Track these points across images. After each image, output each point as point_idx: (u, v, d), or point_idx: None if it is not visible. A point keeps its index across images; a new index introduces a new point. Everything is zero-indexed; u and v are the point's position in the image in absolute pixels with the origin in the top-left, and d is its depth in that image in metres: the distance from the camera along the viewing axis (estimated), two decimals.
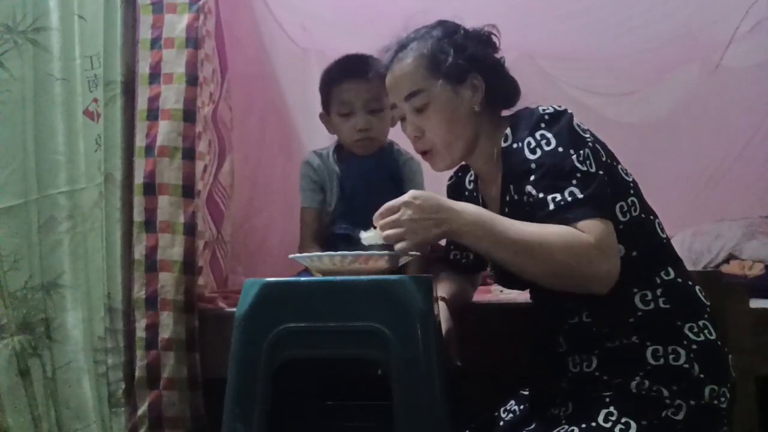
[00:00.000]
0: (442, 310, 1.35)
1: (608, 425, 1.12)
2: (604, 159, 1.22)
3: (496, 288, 1.91)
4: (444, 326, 1.31)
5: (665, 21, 2.76)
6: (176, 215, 1.66)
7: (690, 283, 1.24)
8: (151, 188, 1.67)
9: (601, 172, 1.16)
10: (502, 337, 1.53)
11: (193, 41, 1.70)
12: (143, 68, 1.72)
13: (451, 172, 1.52)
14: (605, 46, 2.93)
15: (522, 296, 1.45)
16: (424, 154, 1.35)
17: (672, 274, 1.22)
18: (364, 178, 1.75)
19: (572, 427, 1.14)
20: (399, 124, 1.38)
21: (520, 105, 1.32)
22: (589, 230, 1.09)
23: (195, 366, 1.64)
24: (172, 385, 1.62)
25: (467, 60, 1.29)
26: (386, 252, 1.17)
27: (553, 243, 1.09)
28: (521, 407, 1.35)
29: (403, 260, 1.24)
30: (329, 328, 1.11)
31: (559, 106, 1.21)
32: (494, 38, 1.34)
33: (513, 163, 1.22)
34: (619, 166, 1.26)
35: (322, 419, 1.52)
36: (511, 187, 1.24)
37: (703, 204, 3.13)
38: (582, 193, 1.12)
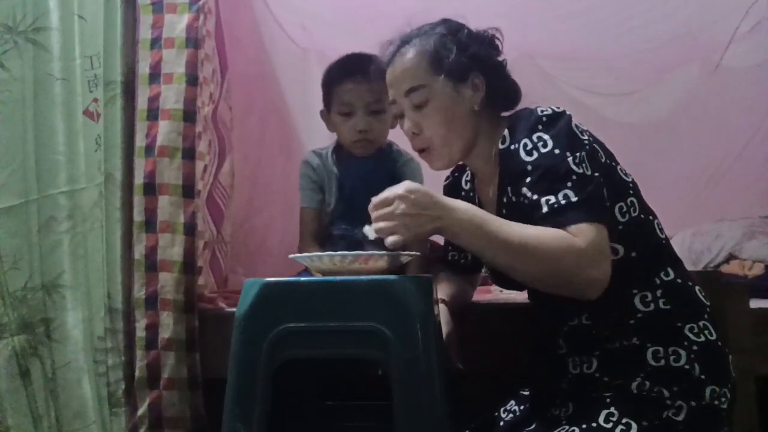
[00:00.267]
0: (442, 313, 1.35)
1: (609, 426, 1.11)
2: (603, 160, 1.22)
3: (496, 288, 1.91)
4: (444, 329, 1.31)
5: (665, 21, 2.76)
6: (176, 215, 1.66)
7: (690, 283, 1.24)
8: (151, 188, 1.67)
9: (597, 174, 1.16)
10: (502, 337, 1.53)
11: (193, 41, 1.70)
12: (143, 68, 1.72)
13: (447, 172, 1.52)
14: (605, 46, 2.93)
15: (522, 296, 1.45)
16: (421, 152, 1.34)
17: (671, 275, 1.22)
18: (363, 178, 1.75)
19: (573, 428, 1.14)
20: (399, 124, 1.38)
21: (520, 105, 1.32)
22: (580, 234, 1.09)
23: (195, 366, 1.64)
24: (172, 385, 1.62)
25: (470, 59, 1.29)
26: (386, 252, 1.17)
27: (544, 246, 1.09)
28: (521, 407, 1.35)
29: (403, 260, 1.24)
30: (329, 328, 1.11)
31: (558, 108, 1.21)
32: (497, 41, 1.34)
33: (510, 165, 1.21)
34: (618, 167, 1.26)
35: (322, 419, 1.52)
36: (509, 188, 1.24)
37: (703, 204, 3.13)
38: (576, 196, 1.11)
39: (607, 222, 1.15)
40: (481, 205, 1.37)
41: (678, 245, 2.54)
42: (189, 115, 1.69)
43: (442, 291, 1.42)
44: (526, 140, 1.18)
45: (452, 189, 1.49)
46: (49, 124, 1.81)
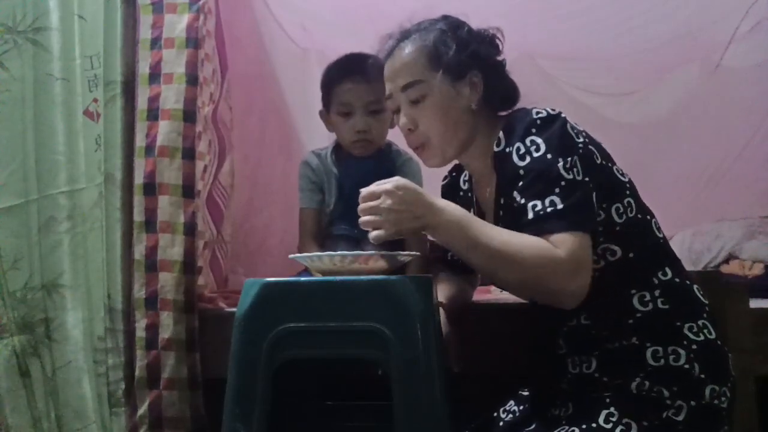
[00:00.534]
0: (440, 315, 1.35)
1: (609, 426, 1.11)
2: (598, 161, 1.21)
3: (495, 288, 1.91)
4: (442, 331, 1.31)
5: (665, 21, 2.76)
6: (176, 215, 1.66)
7: (688, 282, 1.24)
8: (151, 188, 1.67)
9: (587, 180, 1.15)
10: (502, 337, 1.53)
11: (193, 41, 1.70)
12: (143, 68, 1.72)
13: (446, 172, 1.52)
14: (605, 46, 2.93)
15: None
16: (416, 149, 1.34)
17: (669, 274, 1.22)
18: (362, 178, 1.72)
19: (573, 428, 1.14)
20: (395, 119, 1.38)
21: (519, 104, 1.32)
22: (562, 245, 1.09)
23: (195, 366, 1.64)
24: (172, 385, 1.62)
25: (469, 56, 1.28)
26: (386, 252, 1.17)
27: (523, 254, 1.09)
28: (521, 408, 1.35)
29: (403, 260, 1.24)
30: (329, 328, 1.11)
31: (553, 110, 1.20)
32: (498, 40, 1.33)
33: (504, 168, 1.21)
34: (615, 167, 1.25)
35: (322, 419, 1.52)
36: (505, 191, 1.24)
37: (703, 204, 3.12)
38: (562, 203, 1.11)
39: (594, 228, 1.15)
40: (478, 206, 1.37)
41: (678, 245, 2.55)
42: (189, 115, 1.69)
43: (441, 292, 1.42)
44: (519, 144, 1.18)
45: (450, 189, 1.49)
46: (49, 124, 1.81)
